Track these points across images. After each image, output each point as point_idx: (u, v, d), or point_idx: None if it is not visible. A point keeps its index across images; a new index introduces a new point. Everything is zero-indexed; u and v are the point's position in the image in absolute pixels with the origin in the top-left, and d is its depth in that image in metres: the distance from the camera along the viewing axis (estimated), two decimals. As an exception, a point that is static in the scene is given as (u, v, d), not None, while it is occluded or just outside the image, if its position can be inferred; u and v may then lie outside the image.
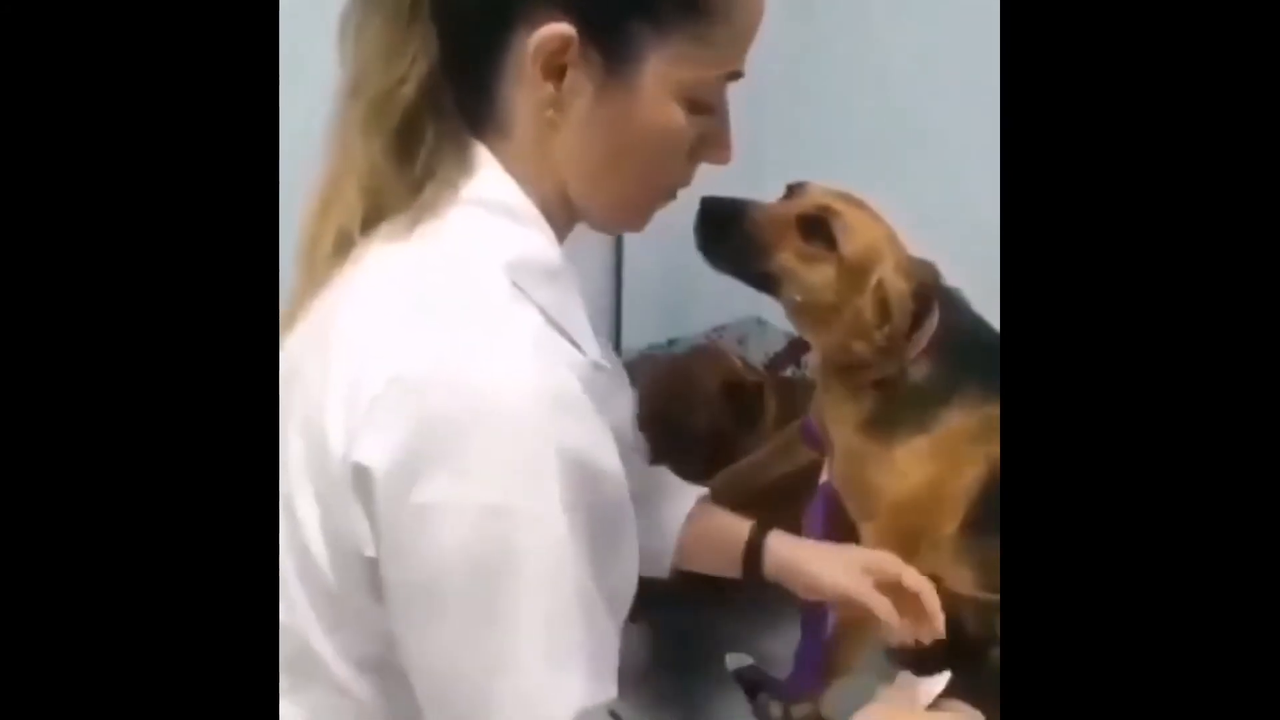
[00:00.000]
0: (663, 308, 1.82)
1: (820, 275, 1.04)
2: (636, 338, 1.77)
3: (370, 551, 0.70)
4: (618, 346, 1.71)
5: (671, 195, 0.82)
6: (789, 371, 1.58)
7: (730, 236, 1.03)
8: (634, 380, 1.01)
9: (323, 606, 0.74)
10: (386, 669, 0.73)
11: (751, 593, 1.04)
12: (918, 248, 1.07)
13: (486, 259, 0.72)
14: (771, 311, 1.27)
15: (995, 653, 0.98)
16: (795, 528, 1.12)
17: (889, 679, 0.93)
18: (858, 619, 1.00)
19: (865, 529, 1.09)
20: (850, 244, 1.03)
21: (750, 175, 0.99)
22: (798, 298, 1.06)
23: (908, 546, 1.02)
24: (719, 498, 1.08)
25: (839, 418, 1.11)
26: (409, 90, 0.73)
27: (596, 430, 0.71)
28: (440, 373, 0.67)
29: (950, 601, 1.00)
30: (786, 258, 1.04)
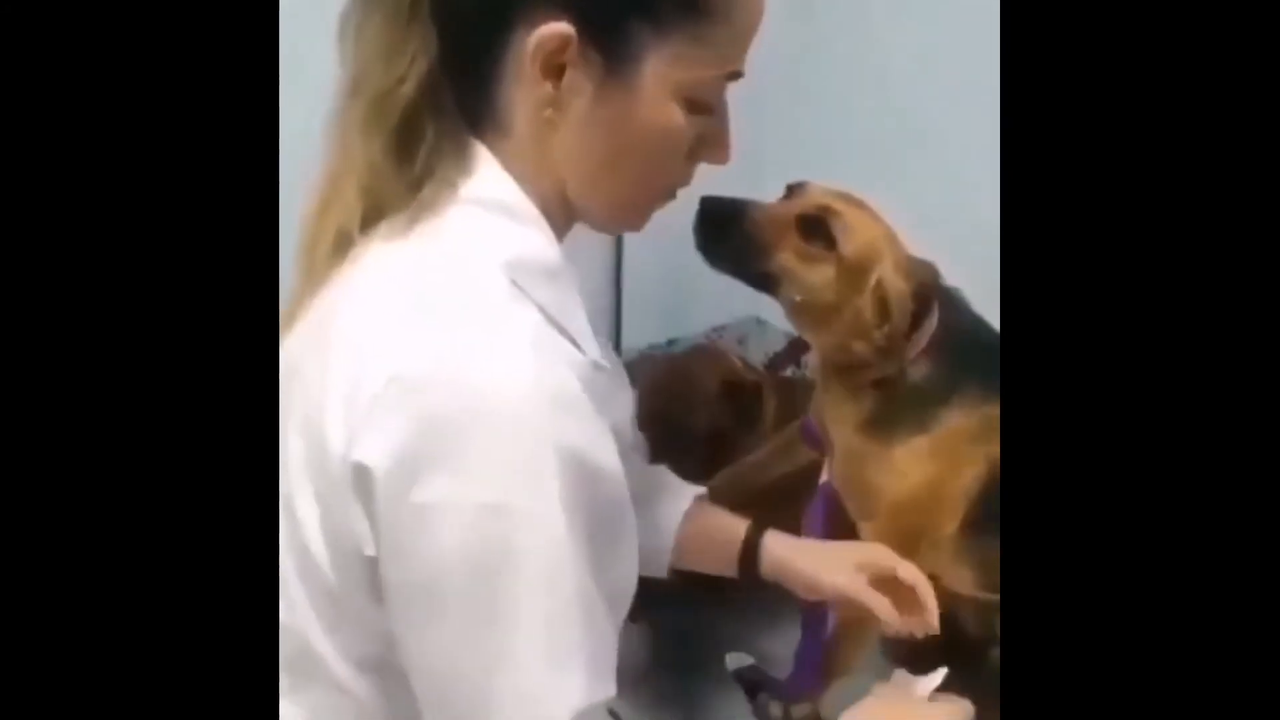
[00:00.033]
0: (662, 308, 1.82)
1: (820, 275, 1.04)
2: (636, 338, 1.77)
3: (370, 551, 0.70)
4: (617, 346, 1.71)
5: (671, 195, 0.81)
6: (789, 371, 1.58)
7: (730, 236, 1.03)
8: (634, 380, 1.01)
9: (323, 606, 0.74)
10: (386, 669, 0.73)
11: (751, 592, 1.04)
12: (918, 248, 1.07)
13: (485, 258, 0.72)
14: (771, 311, 1.27)
15: (995, 653, 0.98)
16: (795, 528, 1.12)
17: (888, 679, 0.93)
18: (857, 619, 1.00)
19: (865, 529, 1.09)
20: (850, 244, 1.03)
21: (750, 175, 0.99)
22: (797, 297, 1.06)
23: (908, 546, 1.02)
24: (719, 498, 1.08)
25: (839, 418, 1.11)
26: (408, 89, 0.73)
27: (596, 429, 0.71)
28: (440, 372, 0.67)
29: (950, 601, 1.00)
30: (786, 257, 1.04)
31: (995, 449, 1.00)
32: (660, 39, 0.72)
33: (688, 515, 1.03)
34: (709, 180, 0.85)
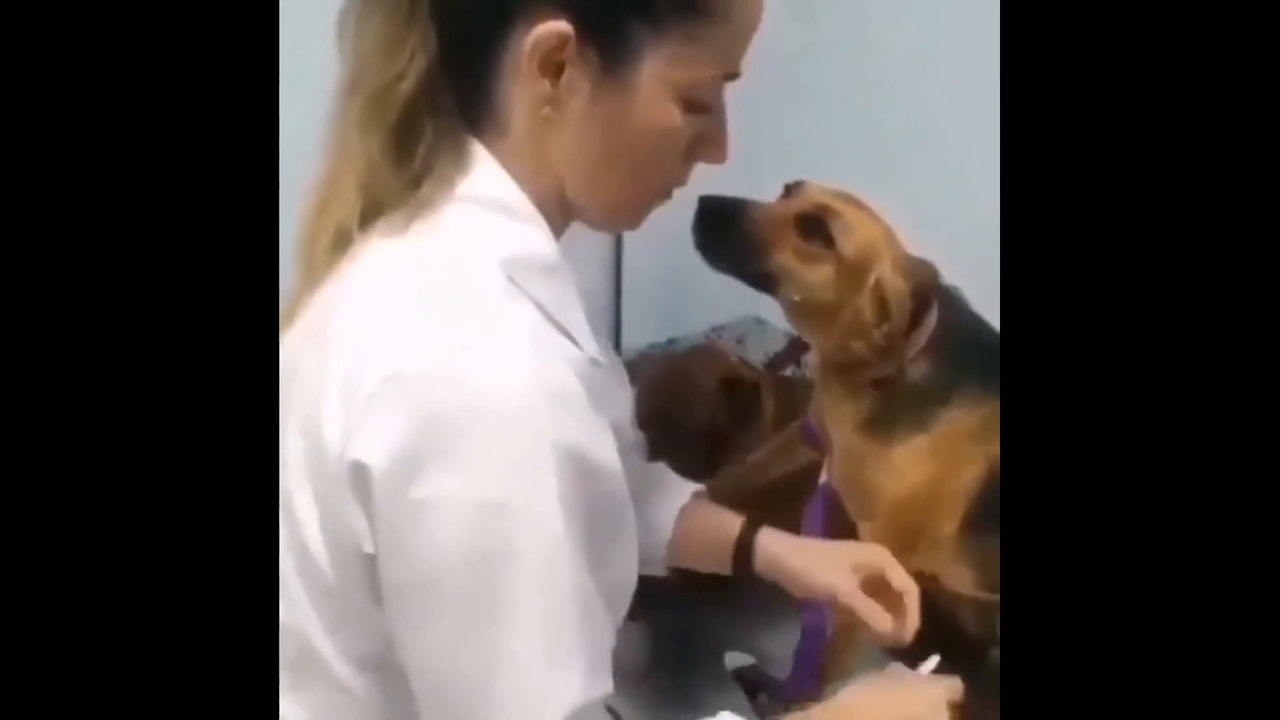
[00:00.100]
0: (662, 307, 1.82)
1: (819, 274, 1.04)
2: (636, 337, 1.77)
3: (369, 549, 0.70)
4: (617, 346, 1.71)
5: (667, 194, 0.82)
6: (788, 371, 1.58)
7: (729, 236, 1.03)
8: (633, 379, 1.01)
9: (323, 605, 0.74)
10: (386, 667, 0.73)
11: (751, 592, 1.04)
12: (917, 247, 1.08)
13: (483, 255, 0.72)
14: (771, 311, 1.27)
15: (995, 653, 0.98)
16: (795, 528, 1.12)
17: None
18: (854, 619, 1.00)
19: (865, 529, 1.09)
20: (849, 243, 1.03)
21: (749, 175, 0.99)
22: (796, 297, 1.06)
23: (907, 546, 1.02)
24: (719, 497, 1.08)
25: (838, 417, 1.11)
26: (407, 86, 0.73)
27: (593, 426, 0.71)
28: (437, 369, 0.67)
29: (950, 601, 1.00)
30: (785, 257, 1.04)
31: (995, 448, 1.00)
32: (658, 38, 0.72)
33: (684, 511, 1.03)
34: (708, 180, 0.85)
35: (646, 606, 0.86)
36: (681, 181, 0.81)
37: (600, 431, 0.72)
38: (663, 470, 1.07)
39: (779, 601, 1.03)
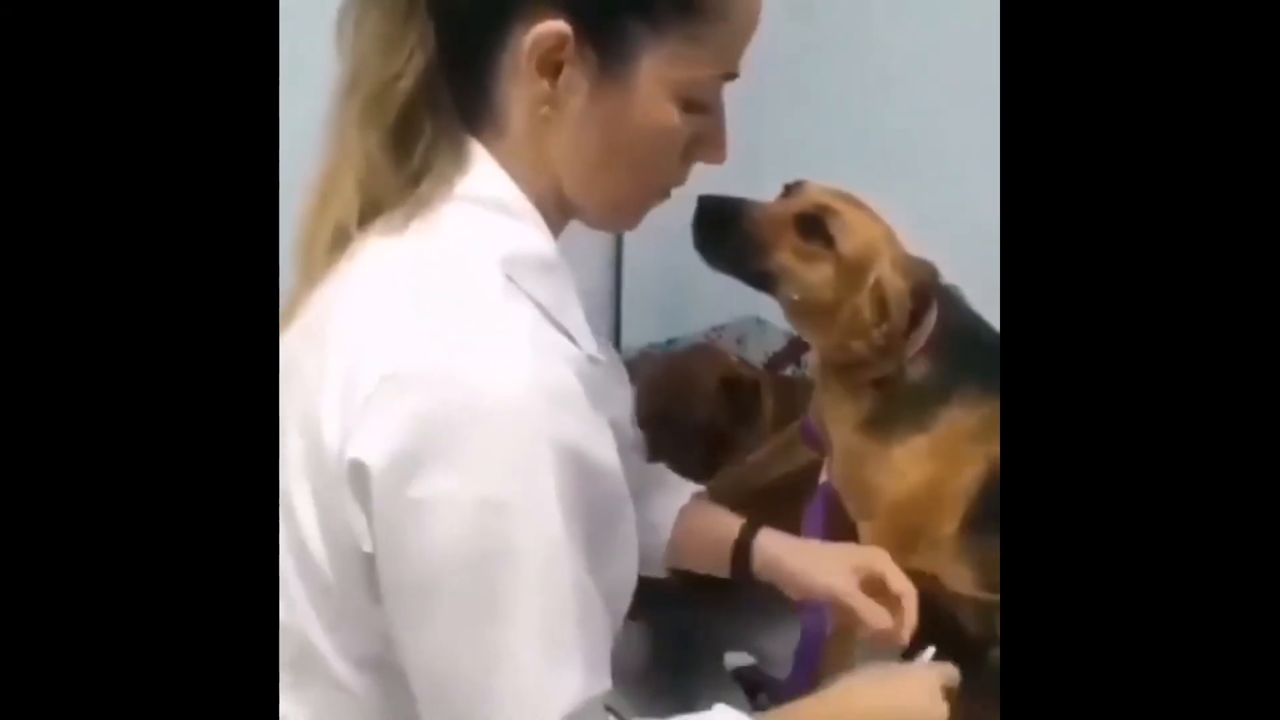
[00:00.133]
0: (662, 307, 1.82)
1: (818, 274, 1.04)
2: (636, 337, 1.77)
3: (368, 548, 0.70)
4: (617, 345, 1.71)
5: (666, 194, 0.82)
6: (789, 370, 1.58)
7: (728, 235, 1.03)
8: (633, 379, 1.00)
9: (322, 604, 0.74)
10: (385, 667, 0.73)
11: (751, 592, 1.04)
12: (917, 247, 1.07)
13: (481, 254, 0.72)
14: (771, 311, 1.27)
15: (995, 653, 0.98)
16: (795, 527, 1.12)
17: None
18: (854, 620, 1.00)
19: (865, 529, 1.09)
20: (848, 242, 1.03)
21: (749, 175, 0.99)
22: (795, 296, 1.06)
23: (907, 546, 1.02)
24: (719, 498, 1.07)
25: (838, 417, 1.11)
26: (406, 85, 0.73)
27: (592, 424, 0.71)
28: (435, 367, 0.67)
29: (950, 601, 1.00)
30: (784, 256, 1.04)
31: (995, 448, 1.00)
32: (657, 38, 0.72)
33: (683, 512, 1.02)
34: (708, 179, 0.85)
35: (646, 606, 0.86)
36: (680, 181, 0.81)
37: (599, 430, 0.72)
38: (662, 471, 1.07)
39: (778, 602, 1.03)
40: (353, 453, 0.67)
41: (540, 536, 0.67)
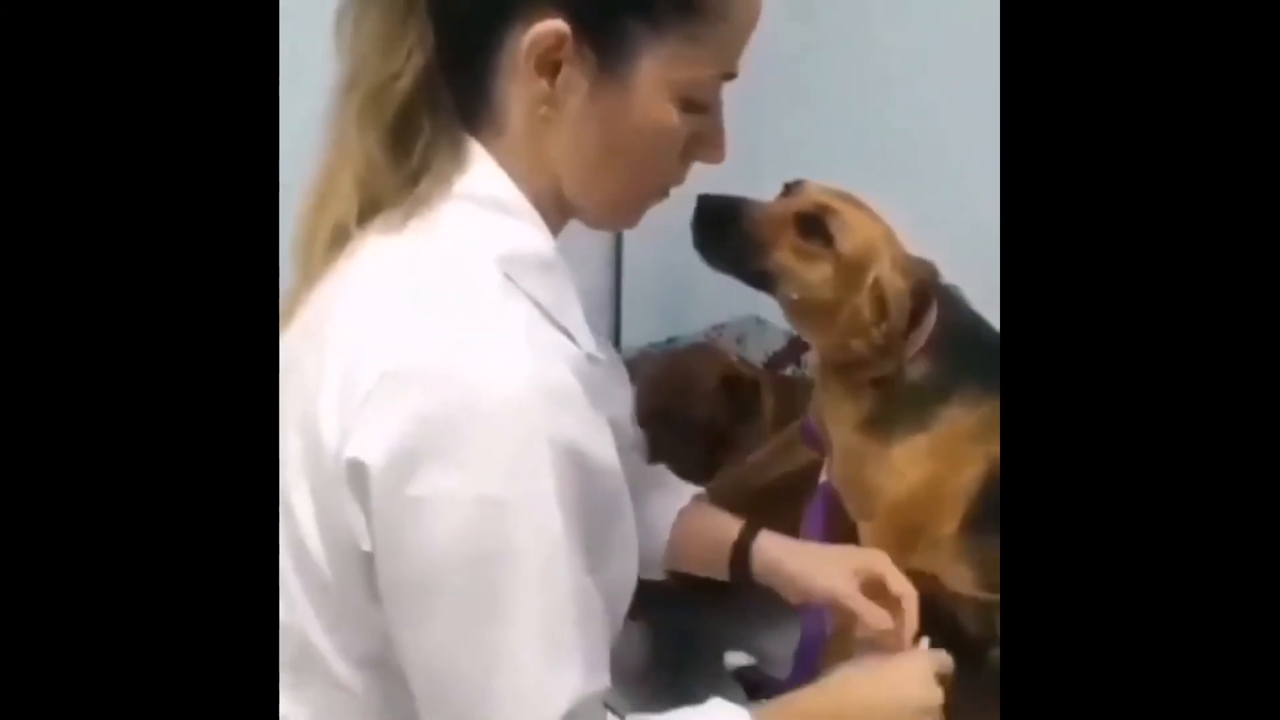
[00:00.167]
0: (662, 306, 1.82)
1: (818, 273, 1.04)
2: (636, 336, 1.78)
3: (367, 546, 0.70)
4: (617, 344, 1.71)
5: (664, 194, 0.82)
6: (789, 370, 1.58)
7: (728, 235, 1.03)
8: (633, 378, 1.00)
9: (321, 603, 0.74)
10: (385, 666, 0.73)
11: (751, 592, 1.04)
12: (917, 247, 1.07)
13: (480, 253, 0.72)
14: (771, 310, 1.27)
15: (995, 653, 0.98)
16: (795, 527, 1.12)
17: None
18: (854, 620, 1.00)
19: (864, 528, 1.09)
20: (848, 242, 1.03)
21: (749, 174, 0.99)
22: (795, 296, 1.06)
23: (907, 546, 1.02)
24: (719, 498, 1.07)
25: (838, 417, 1.11)
26: (404, 84, 0.73)
27: (591, 423, 0.71)
28: (434, 366, 0.67)
29: (950, 601, 1.00)
30: (784, 256, 1.04)
31: (995, 448, 1.00)
32: (656, 38, 0.72)
33: (682, 514, 1.02)
34: (708, 179, 0.85)
35: (646, 607, 0.86)
36: (679, 180, 0.81)
37: (598, 429, 0.72)
38: (661, 472, 1.06)
39: (778, 602, 1.03)
40: (351, 451, 0.67)
41: (539, 535, 0.67)
